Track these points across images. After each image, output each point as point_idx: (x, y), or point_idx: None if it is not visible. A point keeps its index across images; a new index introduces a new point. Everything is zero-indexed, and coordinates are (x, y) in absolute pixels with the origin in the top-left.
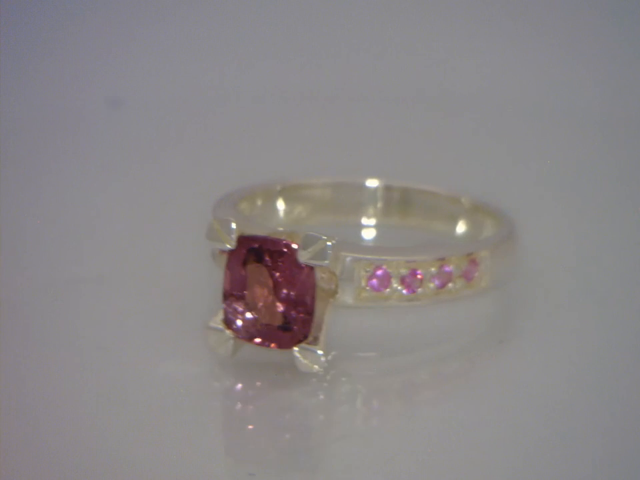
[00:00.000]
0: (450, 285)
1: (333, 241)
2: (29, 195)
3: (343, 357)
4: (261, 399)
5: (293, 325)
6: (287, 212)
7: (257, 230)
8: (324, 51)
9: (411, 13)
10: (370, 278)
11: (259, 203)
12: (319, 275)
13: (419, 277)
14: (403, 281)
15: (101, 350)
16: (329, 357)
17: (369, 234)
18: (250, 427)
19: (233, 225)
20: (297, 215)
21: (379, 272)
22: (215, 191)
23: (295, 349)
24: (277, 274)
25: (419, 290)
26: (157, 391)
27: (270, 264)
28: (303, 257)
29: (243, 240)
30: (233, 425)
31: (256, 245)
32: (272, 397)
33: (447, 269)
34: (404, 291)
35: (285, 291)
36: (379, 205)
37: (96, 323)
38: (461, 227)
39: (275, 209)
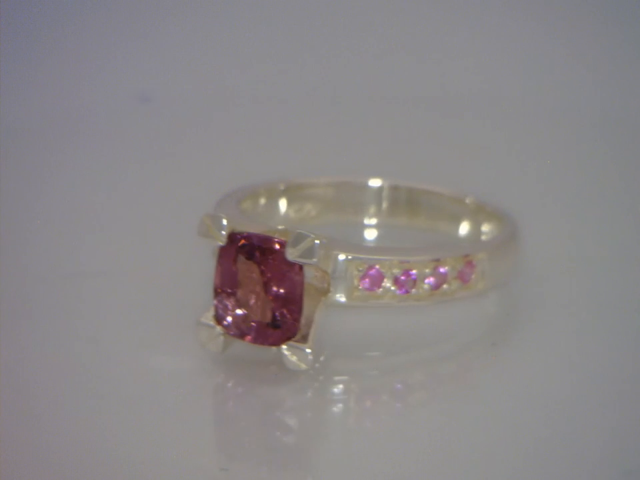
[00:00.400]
0: (445, 286)
1: (323, 240)
2: (30, 191)
3: (338, 356)
4: (251, 396)
5: (282, 322)
6: (289, 211)
7: (249, 227)
8: (329, 51)
9: (415, 12)
10: (362, 277)
11: (262, 201)
12: (312, 273)
13: (412, 277)
14: (396, 281)
15: (94, 343)
16: (321, 357)
17: (371, 234)
18: (239, 423)
19: (224, 222)
20: (300, 214)
21: (372, 271)
22: (218, 189)
23: (284, 346)
24: (267, 271)
25: (413, 290)
26: (146, 385)
27: (260, 261)
28: (292, 255)
29: (234, 236)
30: (221, 421)
31: (247, 242)
32: (262, 394)
33: (442, 270)
34: (397, 291)
35: (274, 288)
36: (382, 204)
37: (93, 316)
38: (464, 228)
39: (278, 208)
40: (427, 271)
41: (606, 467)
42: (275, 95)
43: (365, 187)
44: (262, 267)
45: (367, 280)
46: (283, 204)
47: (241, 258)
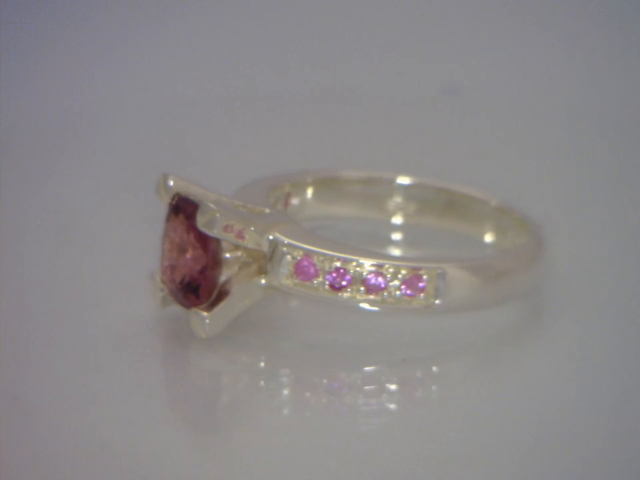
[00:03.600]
0: (385, 293)
1: (224, 214)
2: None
3: (282, 340)
4: (180, 359)
5: (195, 287)
6: (315, 203)
7: (191, 192)
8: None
9: (432, 12)
10: (297, 265)
11: (290, 191)
12: (262, 253)
13: (345, 276)
14: (329, 275)
15: (77, 281)
16: (217, 326)
17: (395, 230)
18: (161, 379)
19: (171, 183)
20: (326, 208)
21: (306, 261)
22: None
23: (192, 311)
24: (191, 236)
25: (348, 289)
26: (100, 324)
27: (187, 225)
28: (199, 224)
29: (177, 199)
30: (152, 375)
31: (180, 205)
32: (190, 360)
33: (380, 276)
34: (330, 287)
35: (192, 252)
36: (408, 202)
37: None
38: (490, 233)
39: (305, 200)
40: (364, 273)
41: None
42: (286, 93)
43: (394, 184)
44: (187, 232)
45: (300, 268)
46: (309, 196)
47: (173, 219)
